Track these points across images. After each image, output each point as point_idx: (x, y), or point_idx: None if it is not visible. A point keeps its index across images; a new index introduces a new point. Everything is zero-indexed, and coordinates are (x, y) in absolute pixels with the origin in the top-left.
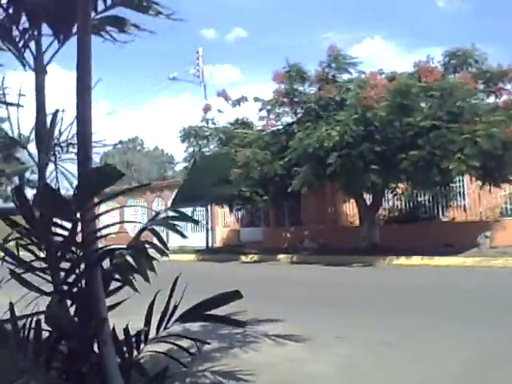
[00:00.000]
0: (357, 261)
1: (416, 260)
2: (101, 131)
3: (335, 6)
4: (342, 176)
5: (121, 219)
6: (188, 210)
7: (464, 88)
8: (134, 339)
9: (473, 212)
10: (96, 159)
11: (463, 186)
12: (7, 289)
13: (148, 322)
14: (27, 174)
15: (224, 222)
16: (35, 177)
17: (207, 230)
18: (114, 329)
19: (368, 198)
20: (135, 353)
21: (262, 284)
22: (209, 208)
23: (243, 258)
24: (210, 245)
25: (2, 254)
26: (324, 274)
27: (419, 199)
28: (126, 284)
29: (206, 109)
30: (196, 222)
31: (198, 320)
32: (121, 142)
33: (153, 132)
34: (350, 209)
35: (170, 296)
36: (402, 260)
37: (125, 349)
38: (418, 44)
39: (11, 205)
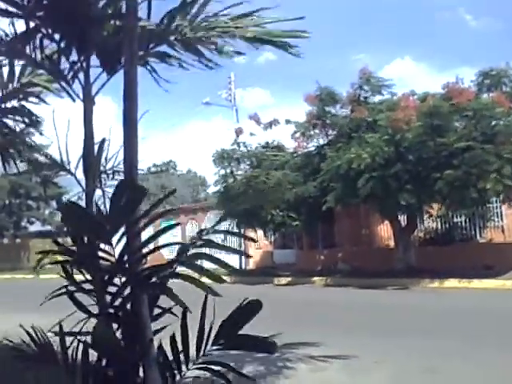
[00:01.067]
0: (392, 283)
1: (453, 283)
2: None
3: (364, 28)
4: (376, 197)
5: (155, 243)
6: (217, 238)
7: (497, 109)
8: (173, 362)
9: (511, 233)
10: None
11: (500, 206)
12: (55, 311)
13: (186, 346)
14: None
15: (257, 244)
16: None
17: (240, 254)
18: (159, 350)
19: (403, 219)
20: (177, 377)
21: (298, 307)
22: (242, 230)
23: (277, 280)
24: (243, 267)
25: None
26: (359, 297)
27: (455, 220)
28: (174, 302)
29: (238, 132)
30: (254, 241)
31: (230, 346)
32: (155, 166)
33: (186, 155)
34: (385, 230)
35: (202, 319)
36: (439, 283)
37: (167, 373)
38: (448, 64)
39: (48, 228)
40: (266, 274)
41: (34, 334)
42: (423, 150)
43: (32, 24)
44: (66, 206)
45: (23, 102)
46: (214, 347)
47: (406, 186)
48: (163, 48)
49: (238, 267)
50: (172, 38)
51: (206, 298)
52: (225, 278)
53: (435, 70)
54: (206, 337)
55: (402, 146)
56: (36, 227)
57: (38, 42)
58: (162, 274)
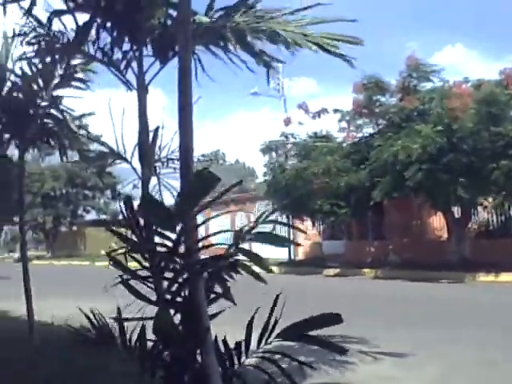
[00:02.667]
0: (445, 276)
1: (509, 276)
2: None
3: (413, 14)
4: (427, 189)
5: (206, 232)
6: (266, 227)
7: None
8: (234, 351)
9: None
10: None
11: None
12: (111, 297)
13: (249, 336)
14: (128, 189)
15: (306, 234)
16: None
17: (289, 243)
18: (216, 339)
19: (456, 210)
20: (236, 364)
21: (347, 299)
22: (290, 221)
23: (325, 271)
24: (292, 257)
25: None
26: (411, 290)
27: None
28: (224, 295)
29: (287, 122)
30: (303, 232)
31: (297, 340)
32: (203, 156)
33: (234, 146)
34: (437, 221)
35: (271, 311)
36: (494, 276)
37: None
38: (503, 50)
39: (103, 216)
40: (314, 264)
41: (93, 319)
42: (478, 140)
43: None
44: (145, 199)
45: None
46: (276, 339)
47: (460, 177)
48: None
49: (287, 258)
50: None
51: (277, 296)
52: (274, 268)
53: (489, 57)
54: (269, 330)
55: (455, 136)
56: (91, 216)
57: (92, 34)
58: (218, 263)
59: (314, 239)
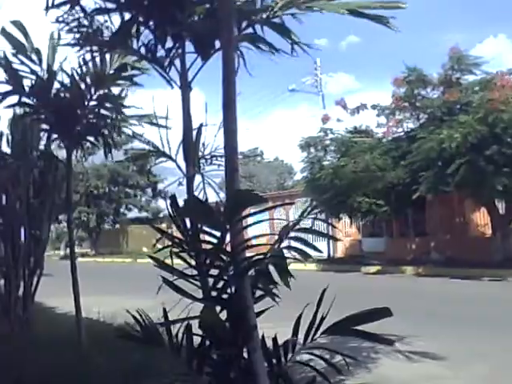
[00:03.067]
0: (489, 274)
1: None
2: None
3: (452, 6)
4: (470, 182)
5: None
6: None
7: None
8: (281, 348)
9: None
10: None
11: None
12: (155, 294)
13: (296, 332)
14: (172, 186)
15: (345, 231)
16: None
17: (328, 240)
18: (263, 336)
19: (501, 206)
20: (283, 362)
21: (389, 296)
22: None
23: (365, 268)
24: (331, 255)
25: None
26: (454, 288)
27: None
28: (267, 293)
29: (325, 119)
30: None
31: (346, 334)
32: (242, 153)
33: (272, 143)
34: (481, 218)
35: (318, 307)
36: None
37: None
38: None
39: (144, 214)
40: (354, 262)
41: (139, 317)
42: None
43: (128, 15)
44: (190, 200)
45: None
46: (323, 335)
47: (503, 169)
48: (250, 30)
49: (325, 255)
50: (262, 16)
51: (323, 290)
52: (313, 266)
53: None
54: (316, 325)
55: (497, 127)
56: (133, 214)
57: (135, 31)
58: (265, 261)
59: (354, 236)
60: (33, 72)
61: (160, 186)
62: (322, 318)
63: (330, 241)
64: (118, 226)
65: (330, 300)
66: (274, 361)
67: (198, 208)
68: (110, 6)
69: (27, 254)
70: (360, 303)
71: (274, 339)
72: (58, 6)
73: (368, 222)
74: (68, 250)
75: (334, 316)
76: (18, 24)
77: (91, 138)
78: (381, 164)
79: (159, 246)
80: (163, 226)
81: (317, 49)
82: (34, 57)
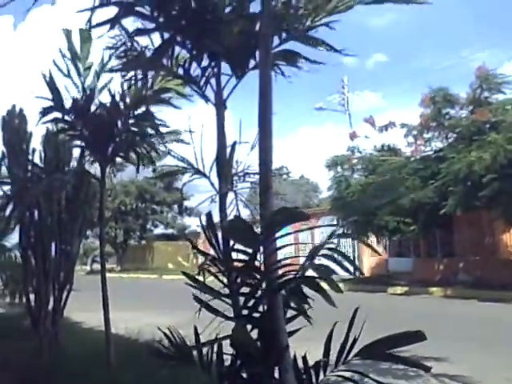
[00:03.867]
0: None
1: None
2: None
3: (478, 26)
4: (500, 202)
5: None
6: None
7: None
8: (312, 369)
9: None
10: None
11: None
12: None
13: (327, 353)
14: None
15: (371, 251)
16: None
17: (354, 259)
18: (295, 356)
19: None
20: (314, 383)
21: (417, 318)
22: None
23: (391, 289)
24: (356, 274)
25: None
26: (483, 310)
27: None
28: (300, 313)
29: (352, 136)
30: (371, 247)
31: (379, 358)
32: (255, 174)
33: (298, 161)
34: (511, 239)
35: (349, 328)
36: None
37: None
38: None
39: (170, 231)
40: (380, 282)
41: (170, 334)
42: None
43: (166, 35)
44: (234, 219)
45: (155, 109)
46: (356, 358)
47: None
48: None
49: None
50: (296, 28)
51: (355, 310)
52: (339, 285)
53: None
54: (348, 347)
55: None
56: (159, 230)
57: (171, 52)
58: (296, 280)
59: (379, 256)
60: (78, 87)
61: (186, 203)
62: (354, 340)
63: (356, 260)
64: (144, 242)
65: (359, 321)
66: (306, 382)
67: (239, 228)
68: (150, 26)
69: (57, 269)
70: (388, 325)
71: (304, 359)
72: (98, 26)
73: (395, 241)
74: (94, 266)
75: (363, 337)
76: (82, 31)
77: (124, 155)
78: (410, 184)
79: (183, 261)
80: (188, 242)
81: (344, 61)
82: (81, 71)
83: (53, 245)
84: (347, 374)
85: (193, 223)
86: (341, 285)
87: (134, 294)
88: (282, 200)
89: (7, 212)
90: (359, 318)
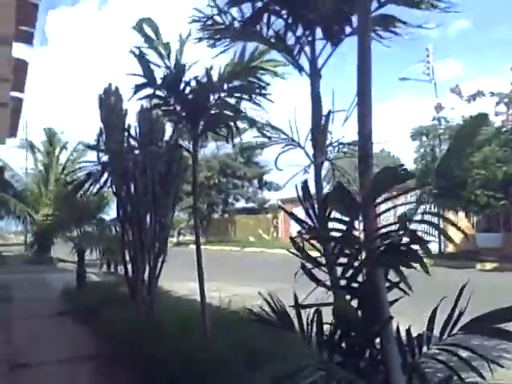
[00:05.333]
0: None
1: None
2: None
3: None
4: None
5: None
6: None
7: None
8: (415, 341)
9: None
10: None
11: None
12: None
13: (431, 327)
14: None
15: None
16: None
17: (439, 234)
18: (398, 328)
19: None
20: (417, 355)
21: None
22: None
23: (480, 265)
24: (442, 249)
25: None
26: None
27: None
28: (401, 282)
29: (438, 107)
30: (455, 226)
31: (484, 334)
32: (349, 145)
33: (379, 134)
34: None
35: (456, 302)
36: None
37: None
38: None
39: (251, 204)
40: (467, 257)
41: (272, 303)
42: None
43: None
44: (336, 187)
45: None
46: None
47: None
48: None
49: (437, 250)
50: None
51: (463, 286)
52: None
53: None
54: (453, 322)
55: None
56: (241, 204)
57: (265, 20)
58: (397, 250)
59: (467, 231)
60: (165, 65)
61: (266, 177)
62: (460, 314)
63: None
64: (226, 215)
65: (453, 297)
66: (408, 354)
67: (340, 196)
68: None
69: (152, 240)
70: (485, 301)
71: (408, 331)
72: None
73: (484, 216)
74: (180, 238)
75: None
76: (148, 21)
77: (216, 129)
78: (500, 156)
79: (264, 235)
80: (269, 216)
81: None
82: (162, 51)
83: (148, 217)
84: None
85: (272, 197)
86: (426, 260)
87: (219, 265)
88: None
89: (101, 180)
90: (453, 294)
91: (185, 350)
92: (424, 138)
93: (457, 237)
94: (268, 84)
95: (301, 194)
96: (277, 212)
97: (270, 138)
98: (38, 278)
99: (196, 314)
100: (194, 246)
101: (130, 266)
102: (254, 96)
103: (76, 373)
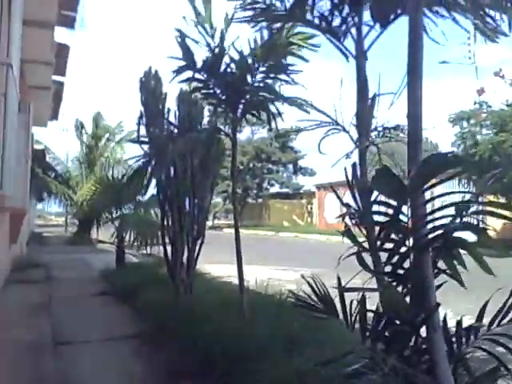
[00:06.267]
0: None
1: None
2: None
3: None
4: None
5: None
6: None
7: None
8: (463, 331)
9: None
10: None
11: None
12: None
13: (481, 318)
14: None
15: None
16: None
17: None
18: (445, 317)
19: None
20: (464, 345)
21: None
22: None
23: None
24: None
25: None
26: None
27: None
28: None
29: (481, 91)
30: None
31: None
32: (385, 129)
33: None
34: None
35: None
36: None
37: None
38: None
39: (285, 189)
40: (507, 247)
41: (315, 287)
42: None
43: None
44: (381, 169)
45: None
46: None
47: None
48: None
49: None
50: None
51: None
52: None
53: None
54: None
55: None
56: (275, 189)
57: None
58: (446, 238)
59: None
60: (208, 45)
61: (301, 163)
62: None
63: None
64: (260, 200)
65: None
66: (455, 344)
67: (387, 180)
68: None
69: (191, 222)
70: None
71: (459, 322)
72: None
73: None
74: (216, 221)
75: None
76: None
77: (255, 112)
78: None
79: (298, 220)
80: (303, 201)
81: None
82: (208, 30)
83: (187, 200)
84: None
85: (307, 183)
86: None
87: (253, 248)
88: (400, 160)
89: (149, 171)
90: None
91: (223, 332)
92: (464, 124)
93: (497, 224)
94: (307, 60)
95: (351, 177)
96: (311, 197)
97: (312, 120)
98: (78, 258)
99: (233, 297)
100: (228, 230)
101: (168, 248)
102: (289, 75)
103: (117, 351)
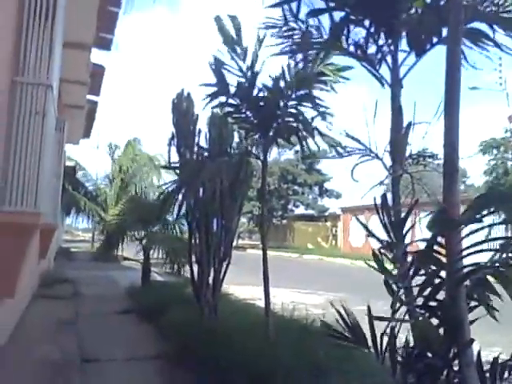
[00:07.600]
0: None
1: None
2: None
3: None
4: None
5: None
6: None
7: None
8: (498, 367)
9: None
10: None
11: None
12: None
13: None
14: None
15: None
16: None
17: None
18: (479, 352)
19: None
20: (497, 382)
21: None
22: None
23: None
24: None
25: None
26: None
27: None
28: (483, 305)
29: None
30: None
31: None
32: (411, 156)
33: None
34: None
35: None
36: None
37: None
38: None
39: (311, 212)
40: None
41: (344, 315)
42: None
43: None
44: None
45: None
46: None
47: None
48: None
49: None
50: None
51: None
52: None
53: None
54: None
55: None
56: (300, 210)
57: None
58: (483, 272)
59: None
60: (240, 70)
61: (326, 185)
62: None
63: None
64: (285, 221)
65: None
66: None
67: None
68: (329, 4)
69: (218, 244)
70: None
71: (496, 359)
72: (274, 6)
73: None
74: (240, 241)
75: None
76: (233, 18)
77: (286, 136)
78: None
79: (323, 242)
80: (328, 224)
81: None
82: (240, 55)
83: (214, 221)
84: None
85: (332, 205)
86: None
87: (277, 270)
88: (427, 186)
89: (179, 196)
90: None
91: (248, 353)
92: (495, 151)
93: None
94: (336, 92)
95: (381, 205)
96: (336, 220)
97: (345, 147)
98: (104, 274)
99: (258, 319)
100: (251, 251)
101: (195, 268)
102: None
103: (142, 369)
